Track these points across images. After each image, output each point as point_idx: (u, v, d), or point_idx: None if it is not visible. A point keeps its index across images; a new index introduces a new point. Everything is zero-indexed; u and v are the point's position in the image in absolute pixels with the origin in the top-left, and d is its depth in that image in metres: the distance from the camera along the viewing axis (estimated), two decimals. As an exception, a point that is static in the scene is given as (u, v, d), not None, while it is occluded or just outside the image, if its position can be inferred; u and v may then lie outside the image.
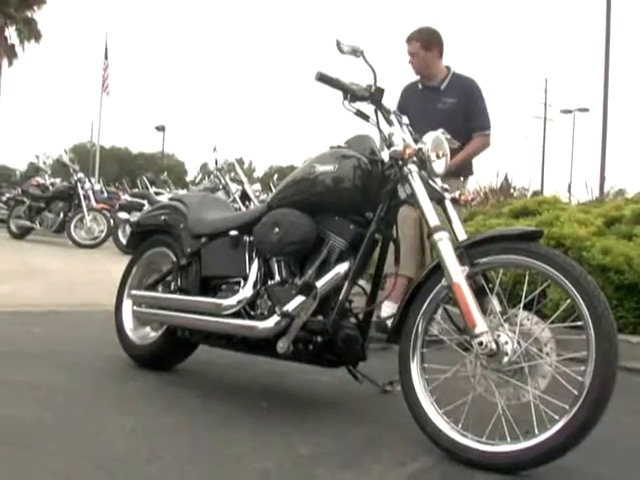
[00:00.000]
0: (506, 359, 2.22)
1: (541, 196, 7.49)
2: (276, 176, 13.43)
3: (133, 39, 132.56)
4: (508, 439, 2.19)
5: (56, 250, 10.42)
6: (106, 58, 29.63)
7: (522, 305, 2.29)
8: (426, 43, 4.38)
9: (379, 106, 2.66)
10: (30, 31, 29.10)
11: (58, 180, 13.36)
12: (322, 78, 2.60)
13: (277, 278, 2.78)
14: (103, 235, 11.21)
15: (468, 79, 4.46)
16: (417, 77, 4.51)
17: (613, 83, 24.71)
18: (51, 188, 12.50)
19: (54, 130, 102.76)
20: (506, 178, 10.16)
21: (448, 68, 4.46)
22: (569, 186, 10.54)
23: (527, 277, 2.41)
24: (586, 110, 38.16)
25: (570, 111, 39.41)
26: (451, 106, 4.30)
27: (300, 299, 2.57)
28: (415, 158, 2.53)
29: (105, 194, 14.89)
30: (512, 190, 10.00)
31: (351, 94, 2.62)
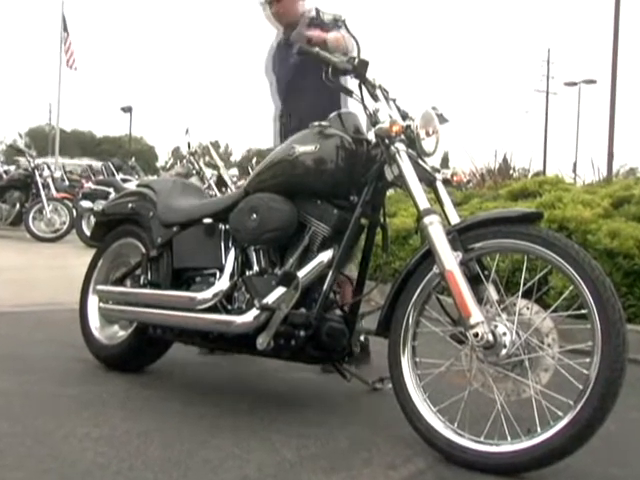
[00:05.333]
0: (504, 351, 2.24)
1: (542, 176, 7.54)
2: (254, 159, 13.38)
3: (92, 11, 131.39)
4: (508, 438, 2.21)
5: (13, 245, 10.34)
6: (65, 30, 29.28)
7: (521, 293, 2.31)
8: None
9: (363, 80, 2.66)
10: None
11: (12, 168, 13.23)
12: (302, 51, 2.61)
13: (255, 268, 2.79)
14: (65, 227, 11.11)
15: None
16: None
17: (622, 52, 24.71)
18: (5, 176, 12.37)
19: (7, 113, 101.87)
20: (505, 158, 10.20)
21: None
22: (574, 166, 10.66)
23: (526, 263, 2.44)
24: (593, 82, 38.26)
25: (575, 83, 39.55)
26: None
27: (281, 290, 2.58)
28: (403, 136, 2.53)
29: (66, 182, 14.77)
30: (512, 171, 10.04)
31: (333, 67, 2.62)
